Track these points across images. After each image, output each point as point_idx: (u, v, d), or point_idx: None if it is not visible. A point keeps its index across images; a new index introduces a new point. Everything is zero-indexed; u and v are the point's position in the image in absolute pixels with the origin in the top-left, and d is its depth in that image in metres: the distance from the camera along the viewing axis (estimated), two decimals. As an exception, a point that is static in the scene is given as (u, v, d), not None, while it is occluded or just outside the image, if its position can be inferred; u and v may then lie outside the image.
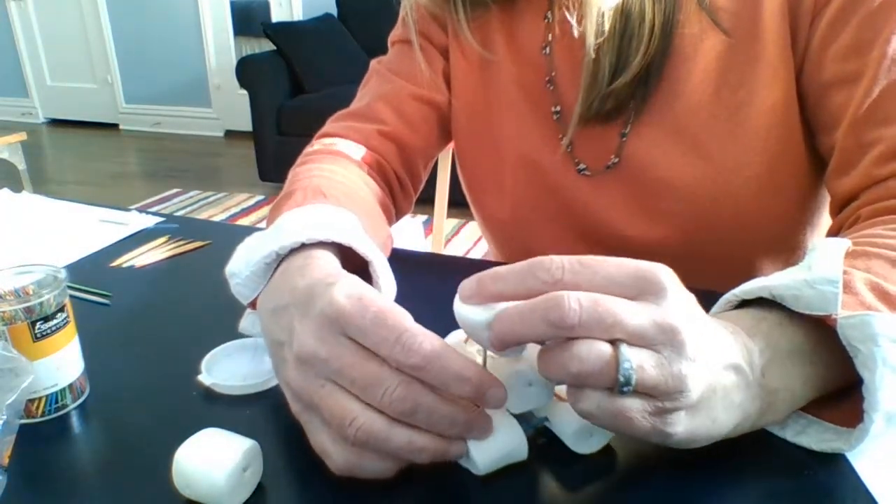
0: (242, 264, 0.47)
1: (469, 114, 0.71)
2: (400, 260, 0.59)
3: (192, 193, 3.49)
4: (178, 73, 4.67)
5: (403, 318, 0.34)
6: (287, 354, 0.38)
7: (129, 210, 0.85)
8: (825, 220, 0.66)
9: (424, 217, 2.80)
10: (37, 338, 0.43)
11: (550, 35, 0.65)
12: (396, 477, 0.37)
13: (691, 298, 0.35)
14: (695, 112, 0.59)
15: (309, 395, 0.36)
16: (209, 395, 0.47)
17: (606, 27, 0.57)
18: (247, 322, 0.52)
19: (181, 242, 0.75)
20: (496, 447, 0.37)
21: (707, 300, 0.42)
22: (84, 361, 0.48)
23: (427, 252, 0.79)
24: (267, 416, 0.45)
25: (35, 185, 3.33)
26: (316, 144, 0.69)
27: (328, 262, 0.43)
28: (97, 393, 0.48)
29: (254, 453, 0.37)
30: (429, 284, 0.62)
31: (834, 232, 0.57)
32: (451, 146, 0.88)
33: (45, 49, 5.04)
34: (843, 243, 0.42)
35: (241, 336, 0.53)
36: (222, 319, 0.55)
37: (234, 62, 3.69)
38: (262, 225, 0.62)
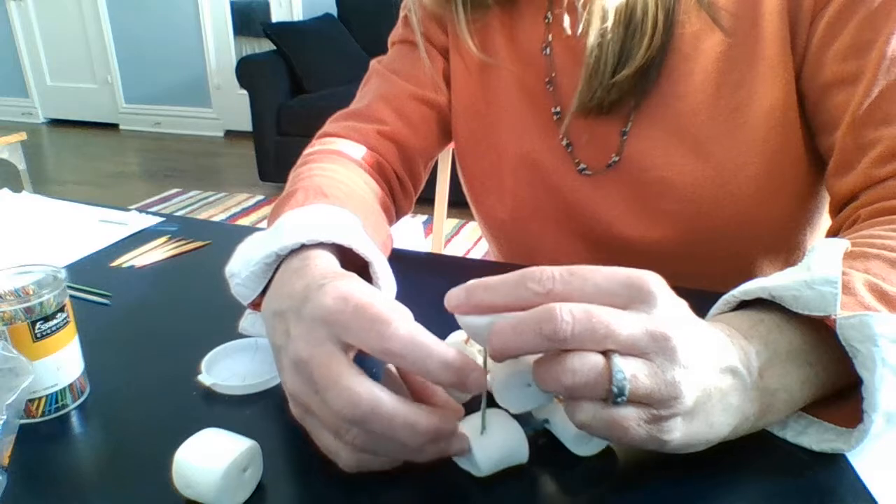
0: (242, 265, 0.47)
1: (469, 114, 0.71)
2: (400, 260, 0.59)
3: (192, 193, 3.49)
4: (178, 73, 4.67)
5: (385, 309, 0.34)
6: (284, 359, 0.38)
7: (129, 210, 0.85)
8: (825, 220, 0.66)
9: (424, 217, 2.80)
10: (37, 338, 0.43)
11: (550, 36, 0.65)
12: (396, 477, 0.37)
13: (682, 304, 0.35)
14: (695, 112, 0.59)
15: (305, 401, 0.36)
16: (209, 395, 0.47)
17: (611, 18, 0.57)
18: (247, 322, 0.52)
19: (181, 242, 0.75)
20: (497, 449, 0.37)
21: (706, 300, 0.42)
22: (84, 361, 0.48)
23: (427, 252, 0.79)
24: (267, 416, 0.45)
25: (35, 185, 3.33)
26: (316, 145, 0.69)
27: (326, 263, 0.43)
28: (97, 393, 0.48)
29: (254, 453, 0.37)
30: (429, 284, 0.62)
31: (833, 232, 0.57)
32: (451, 146, 0.88)
33: (45, 49, 5.04)
34: (842, 244, 0.42)
35: (241, 336, 0.53)
36: (222, 319, 0.55)
37: (234, 62, 3.69)
38: (263, 225, 0.62)
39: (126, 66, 4.84)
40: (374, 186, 0.65)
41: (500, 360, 0.34)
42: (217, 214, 3.16)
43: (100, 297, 0.62)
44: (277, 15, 4.26)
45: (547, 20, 0.66)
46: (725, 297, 0.42)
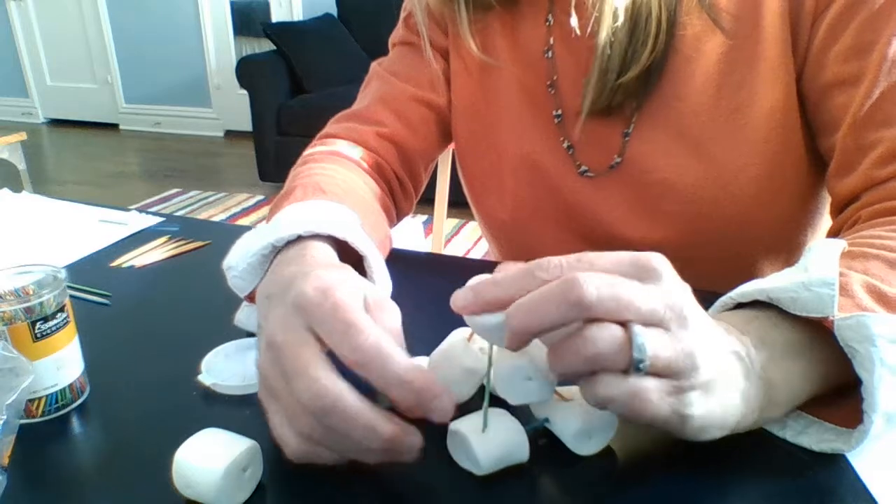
0: (239, 257, 0.47)
1: (469, 116, 0.71)
2: (400, 260, 0.59)
3: (192, 193, 3.49)
4: (178, 73, 4.67)
5: (360, 316, 0.34)
6: (261, 339, 0.38)
7: (129, 210, 0.85)
8: (825, 220, 0.66)
9: (424, 217, 2.80)
10: (37, 338, 0.43)
11: (552, 38, 0.65)
12: (396, 477, 0.37)
13: (686, 286, 0.35)
14: (696, 113, 0.59)
15: (272, 383, 0.36)
16: (209, 395, 0.47)
17: (621, 17, 0.57)
18: (242, 315, 0.52)
19: (181, 242, 0.75)
20: (497, 447, 0.37)
21: (707, 301, 0.42)
22: (84, 361, 0.48)
23: (427, 252, 0.79)
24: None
25: (35, 185, 3.33)
26: (317, 146, 0.69)
27: (322, 254, 0.43)
28: (97, 393, 0.48)
29: (254, 453, 0.37)
30: (429, 284, 0.62)
31: (834, 233, 0.57)
32: (451, 147, 0.88)
33: (45, 49, 5.04)
34: (839, 244, 0.42)
35: (241, 336, 0.53)
36: (222, 319, 0.55)
37: (234, 62, 3.69)
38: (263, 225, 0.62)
39: (126, 66, 4.84)
40: (374, 186, 0.66)
41: (521, 345, 0.34)
42: (217, 214, 3.16)
43: (100, 297, 0.62)
44: (277, 15, 4.26)
45: (548, 23, 0.66)
46: (722, 299, 0.42)
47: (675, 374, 0.33)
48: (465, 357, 0.39)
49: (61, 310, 0.45)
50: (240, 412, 0.45)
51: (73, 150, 4.50)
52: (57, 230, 0.81)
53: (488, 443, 0.37)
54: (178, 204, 3.34)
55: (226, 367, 0.50)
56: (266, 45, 3.59)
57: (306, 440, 0.35)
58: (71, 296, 0.49)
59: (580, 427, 0.38)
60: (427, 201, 0.83)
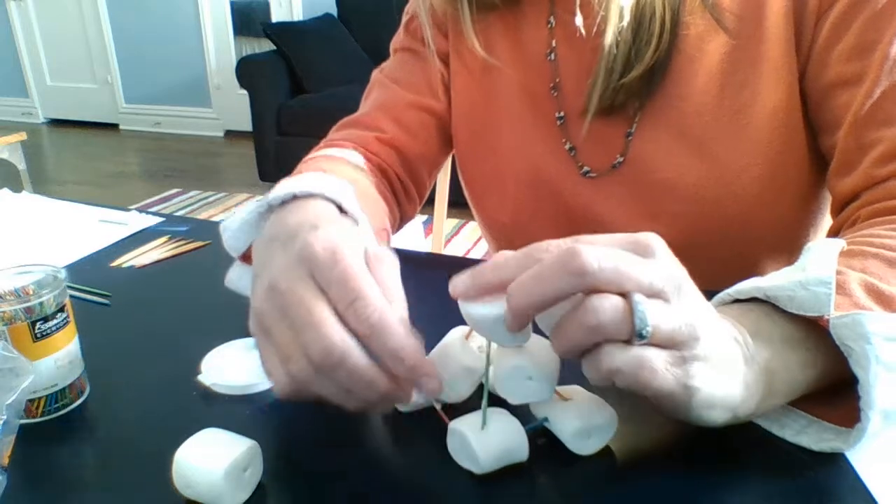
0: (235, 219, 0.48)
1: (470, 119, 0.71)
2: (400, 260, 0.59)
3: (192, 193, 3.49)
4: (178, 73, 4.66)
5: (366, 283, 0.36)
6: (258, 284, 0.39)
7: (129, 210, 0.85)
8: (827, 220, 0.66)
9: (424, 217, 2.80)
10: (37, 338, 0.43)
11: (554, 40, 0.65)
12: (396, 477, 0.37)
13: (678, 262, 0.36)
14: (699, 113, 0.59)
15: (269, 324, 0.37)
16: (209, 395, 0.47)
17: (627, 17, 0.57)
18: (233, 274, 0.51)
19: (181, 242, 0.75)
20: (497, 445, 0.37)
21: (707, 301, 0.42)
22: (84, 361, 0.48)
23: (427, 252, 0.79)
24: (267, 416, 0.45)
25: (35, 185, 3.33)
26: (318, 151, 0.69)
27: (322, 208, 0.44)
28: (97, 393, 0.48)
29: (254, 453, 0.37)
30: (428, 284, 0.62)
31: (834, 232, 0.57)
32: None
33: (45, 49, 5.04)
34: (838, 244, 0.42)
35: (241, 336, 0.53)
36: (222, 319, 0.56)
37: (234, 62, 3.69)
38: (262, 225, 0.62)
39: (126, 66, 4.83)
40: (377, 184, 0.66)
41: (521, 324, 0.34)
42: (217, 214, 3.16)
43: (100, 297, 0.62)
44: (277, 15, 4.26)
45: (550, 25, 0.66)
46: (719, 295, 0.42)
47: (677, 345, 0.33)
48: (463, 355, 0.39)
49: (61, 310, 0.45)
50: (240, 412, 0.45)
51: (73, 150, 4.50)
52: (57, 230, 0.81)
53: (488, 441, 0.37)
54: (178, 204, 3.34)
55: (226, 367, 0.50)
56: (266, 45, 3.59)
57: (296, 381, 0.36)
58: (71, 296, 0.49)
59: (579, 427, 0.39)
60: (427, 201, 0.83)
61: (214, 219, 2.96)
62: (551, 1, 0.66)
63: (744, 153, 0.59)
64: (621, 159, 0.63)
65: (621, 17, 0.57)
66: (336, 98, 3.21)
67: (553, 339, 0.34)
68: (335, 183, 0.49)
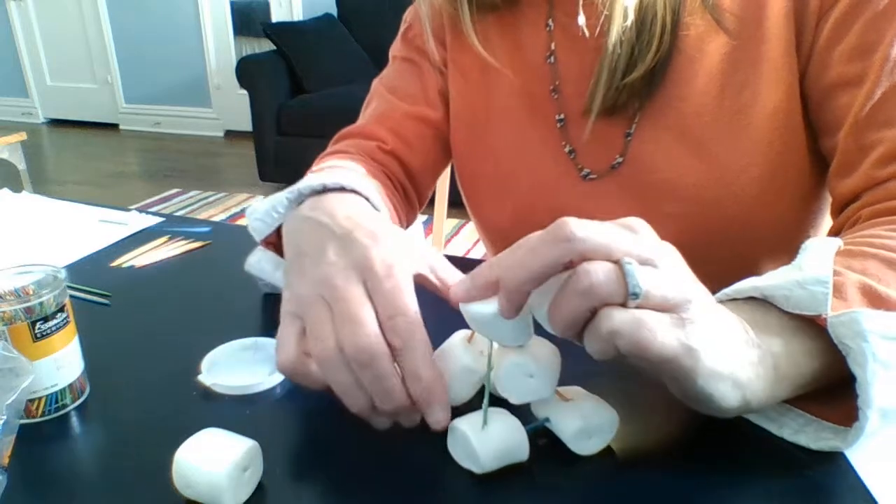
0: (264, 202, 0.50)
1: (468, 125, 0.72)
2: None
3: (192, 193, 3.49)
4: (178, 73, 4.66)
5: (408, 296, 0.38)
6: (308, 267, 0.41)
7: (129, 210, 0.85)
8: (827, 221, 0.66)
9: (424, 217, 2.80)
10: (37, 338, 0.43)
11: (553, 43, 0.65)
12: (396, 477, 0.37)
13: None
14: (699, 114, 0.59)
15: (306, 306, 0.40)
16: (209, 395, 0.47)
17: (631, 17, 0.57)
18: (254, 258, 0.53)
19: (181, 242, 0.75)
20: (497, 445, 0.38)
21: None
22: (84, 361, 0.48)
23: (427, 252, 0.79)
24: (267, 416, 0.45)
25: (35, 185, 3.33)
26: (320, 162, 0.69)
27: (365, 206, 0.47)
28: (97, 393, 0.48)
29: (254, 453, 0.37)
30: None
31: (834, 233, 0.57)
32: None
33: (45, 49, 5.04)
34: (835, 243, 0.42)
35: (241, 336, 0.53)
36: (222, 319, 0.55)
37: (234, 62, 3.69)
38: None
39: (126, 66, 4.83)
40: (384, 193, 0.66)
41: (516, 308, 0.35)
42: (217, 214, 3.16)
43: (100, 297, 0.62)
44: (277, 15, 4.26)
45: (549, 28, 0.66)
46: (717, 295, 0.42)
47: (672, 307, 0.33)
48: (465, 357, 0.39)
49: (61, 310, 0.45)
50: (240, 412, 0.45)
51: (73, 150, 4.50)
52: (57, 230, 0.81)
53: (488, 441, 0.37)
54: (178, 204, 3.34)
55: (226, 367, 0.50)
56: (266, 45, 3.59)
57: (316, 361, 0.38)
58: (71, 296, 0.49)
59: (580, 427, 0.39)
60: (427, 201, 0.83)
61: (214, 219, 2.97)
62: (550, 4, 0.66)
63: (744, 154, 0.59)
64: (620, 160, 0.63)
65: (625, 17, 0.57)
66: (336, 98, 3.21)
67: (551, 316, 0.34)
68: (367, 185, 0.51)
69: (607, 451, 0.40)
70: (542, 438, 0.41)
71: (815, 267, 0.39)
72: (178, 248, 0.74)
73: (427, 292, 0.43)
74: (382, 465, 0.40)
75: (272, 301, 0.60)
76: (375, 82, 0.77)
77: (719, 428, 0.41)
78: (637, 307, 0.32)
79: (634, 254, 0.33)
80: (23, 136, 3.00)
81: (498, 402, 0.41)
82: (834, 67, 0.55)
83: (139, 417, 0.45)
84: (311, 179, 0.49)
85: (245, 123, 3.89)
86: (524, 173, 0.68)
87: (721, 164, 0.59)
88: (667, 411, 0.43)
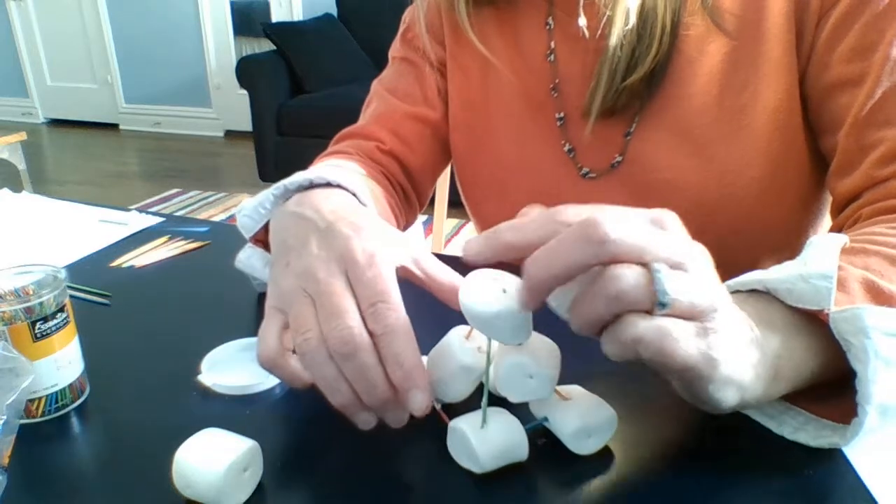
0: (251, 200, 0.51)
1: (467, 124, 0.72)
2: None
3: (192, 193, 3.49)
4: (178, 73, 4.66)
5: (389, 284, 0.38)
6: (292, 261, 0.42)
7: (129, 210, 0.85)
8: (827, 222, 0.66)
9: (424, 217, 2.80)
10: (37, 338, 0.43)
11: (553, 42, 0.65)
12: (396, 477, 0.37)
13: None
14: (699, 113, 0.59)
15: (289, 300, 0.40)
16: (209, 395, 0.47)
17: (633, 19, 0.57)
18: (243, 255, 0.53)
19: (181, 242, 0.75)
20: (497, 444, 0.38)
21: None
22: (84, 361, 0.48)
23: (427, 252, 0.79)
24: (267, 416, 0.45)
25: (35, 185, 3.33)
26: (321, 162, 0.69)
27: (351, 200, 0.47)
28: (97, 393, 0.48)
29: (254, 453, 0.37)
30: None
31: (834, 231, 0.57)
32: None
33: (45, 49, 5.04)
34: (840, 238, 0.42)
35: (241, 336, 0.53)
36: (222, 319, 0.55)
37: (234, 62, 3.69)
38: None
39: (126, 66, 4.83)
40: (383, 193, 0.66)
41: (537, 302, 0.34)
42: (217, 214, 3.16)
43: (100, 297, 0.62)
44: (277, 15, 4.26)
45: (548, 26, 0.66)
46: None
47: (697, 315, 0.32)
48: (463, 355, 0.39)
49: (61, 310, 0.45)
50: (240, 412, 0.45)
51: (73, 150, 4.50)
52: (57, 230, 0.81)
53: (488, 440, 0.37)
54: (178, 204, 3.34)
55: (226, 367, 0.50)
56: (266, 45, 3.59)
57: (299, 353, 0.38)
58: (71, 296, 0.49)
59: (579, 426, 0.38)
60: (428, 201, 0.83)
61: (214, 219, 2.96)
62: (549, 2, 0.66)
63: (744, 154, 0.59)
64: (620, 159, 0.63)
65: (627, 20, 0.56)
66: (336, 98, 3.21)
67: (573, 313, 0.33)
68: (354, 180, 0.50)
69: (606, 450, 0.40)
70: (542, 438, 0.41)
71: (820, 262, 0.38)
72: (177, 248, 0.74)
73: (413, 287, 0.43)
74: (382, 465, 0.40)
75: (272, 301, 0.60)
76: (375, 83, 0.77)
77: (719, 428, 0.41)
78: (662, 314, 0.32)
79: (665, 256, 0.32)
80: (23, 136, 3.00)
81: (497, 401, 0.41)
82: (834, 67, 0.55)
83: (139, 417, 0.45)
84: (297, 176, 0.49)
85: (245, 123, 3.89)
86: (523, 172, 0.68)
87: (721, 164, 0.59)
88: (666, 411, 0.43)
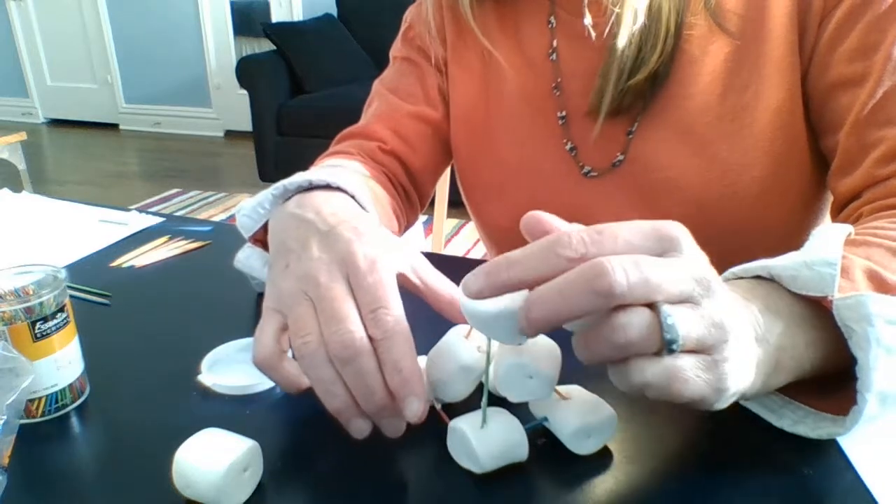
0: (251, 200, 0.50)
1: (469, 123, 0.71)
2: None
3: (192, 193, 3.49)
4: (178, 73, 4.66)
5: (390, 291, 0.38)
6: (292, 263, 0.41)
7: (129, 210, 0.85)
8: (828, 220, 0.66)
9: (424, 217, 2.80)
10: (37, 338, 0.43)
11: (555, 41, 0.65)
12: (396, 477, 0.37)
13: (702, 253, 0.34)
14: (702, 113, 0.59)
15: (289, 302, 0.40)
16: (209, 395, 0.47)
17: (640, 20, 0.57)
18: (242, 254, 0.53)
19: (181, 242, 0.75)
20: (496, 444, 0.37)
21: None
22: (84, 361, 0.48)
23: (427, 252, 0.79)
24: (267, 416, 0.45)
25: (35, 185, 3.33)
26: (321, 162, 0.69)
27: (352, 204, 0.47)
28: (97, 393, 0.48)
29: (254, 453, 0.37)
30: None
31: (836, 229, 0.57)
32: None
33: (45, 49, 5.04)
34: (845, 228, 0.42)
35: (241, 336, 0.53)
36: (222, 319, 0.55)
37: (234, 62, 3.69)
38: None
39: (126, 66, 4.84)
40: (384, 191, 0.66)
41: (537, 332, 0.33)
42: (217, 214, 3.16)
43: (100, 297, 0.62)
44: (277, 15, 4.26)
45: (550, 24, 0.66)
46: (724, 274, 0.42)
47: (707, 349, 0.32)
48: (462, 354, 0.39)
49: (61, 310, 0.45)
50: (240, 412, 0.45)
51: (73, 150, 4.50)
52: (57, 230, 0.81)
53: (488, 440, 0.37)
54: (178, 204, 3.34)
55: (226, 367, 0.50)
56: (266, 45, 3.59)
57: (298, 355, 0.38)
58: (71, 296, 0.49)
59: (579, 426, 0.38)
60: (429, 201, 0.83)
61: (214, 219, 2.97)
62: (552, 1, 0.66)
63: (746, 153, 0.59)
64: (622, 158, 0.63)
65: (635, 20, 0.56)
66: (336, 98, 3.21)
67: (577, 349, 0.33)
68: (354, 182, 0.50)
69: (606, 450, 0.40)
70: (542, 438, 0.41)
71: (824, 249, 0.38)
72: (178, 248, 0.74)
73: (409, 293, 0.43)
74: (382, 465, 0.40)
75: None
76: (376, 83, 0.77)
77: (718, 427, 0.41)
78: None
79: (675, 294, 0.31)
80: (23, 136, 3.00)
81: (497, 401, 0.41)
82: (836, 67, 0.55)
83: (139, 417, 0.45)
84: (297, 176, 0.49)
85: (245, 123, 3.89)
86: (525, 171, 0.68)
87: (723, 164, 0.59)
88: (666, 411, 0.43)
